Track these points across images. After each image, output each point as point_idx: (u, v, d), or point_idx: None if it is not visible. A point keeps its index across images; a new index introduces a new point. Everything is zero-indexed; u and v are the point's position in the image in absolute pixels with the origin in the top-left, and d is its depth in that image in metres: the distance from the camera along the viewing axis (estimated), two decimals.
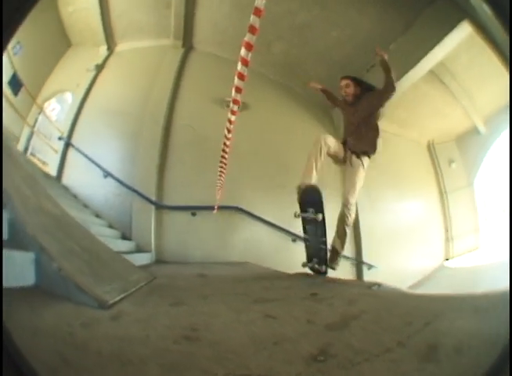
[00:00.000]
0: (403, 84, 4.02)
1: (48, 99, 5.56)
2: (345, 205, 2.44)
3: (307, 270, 2.60)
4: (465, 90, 4.67)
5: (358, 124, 2.49)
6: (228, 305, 1.48)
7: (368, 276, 4.09)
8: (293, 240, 3.59)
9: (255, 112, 3.86)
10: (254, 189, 3.75)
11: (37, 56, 5.18)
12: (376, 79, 4.36)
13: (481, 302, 1.08)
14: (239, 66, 1.91)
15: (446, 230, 4.87)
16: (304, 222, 2.43)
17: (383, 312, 1.26)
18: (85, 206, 4.01)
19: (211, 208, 3.47)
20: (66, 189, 4.21)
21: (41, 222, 1.85)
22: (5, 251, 1.27)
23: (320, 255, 2.42)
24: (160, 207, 3.70)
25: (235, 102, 2.28)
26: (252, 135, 3.76)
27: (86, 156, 4.02)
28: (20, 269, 1.34)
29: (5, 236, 1.53)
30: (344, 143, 2.59)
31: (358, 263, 4.11)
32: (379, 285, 1.89)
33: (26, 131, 5.10)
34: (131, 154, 3.94)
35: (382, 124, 4.80)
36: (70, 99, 5.32)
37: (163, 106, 3.93)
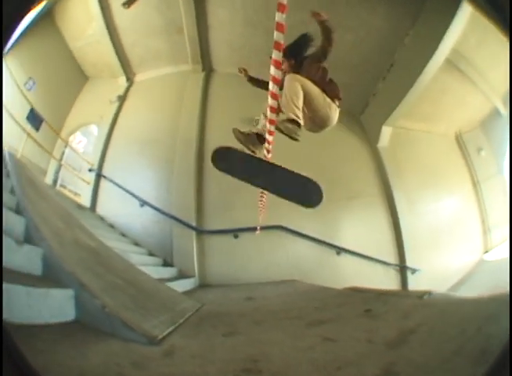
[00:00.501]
0: (424, 78, 3.96)
1: (72, 132, 5.75)
2: None
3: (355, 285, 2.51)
4: (480, 73, 4.55)
5: None
6: (283, 331, 1.44)
7: (412, 280, 3.97)
8: (338, 253, 3.52)
9: None
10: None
11: (54, 92, 5.37)
12: (395, 79, 4.32)
13: None
14: (271, 86, 1.90)
15: (483, 222, 4.71)
16: None
17: (437, 323, 1.23)
18: (123, 235, 4.06)
19: (253, 229, 3.44)
20: (101, 219, 4.28)
21: (78, 256, 1.82)
22: (40, 290, 1.23)
23: None
24: (201, 232, 3.70)
25: (271, 122, 2.25)
26: (288, 151, 3.74)
27: (121, 186, 4.10)
28: (58, 305, 1.28)
29: (38, 271, 1.49)
30: None
31: (402, 268, 3.98)
32: (429, 293, 1.84)
33: (53, 164, 5.28)
34: (166, 181, 3.98)
35: (410, 123, 4.74)
36: (96, 132, 5.49)
37: (193, 131, 3.97)
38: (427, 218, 4.18)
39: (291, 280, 3.39)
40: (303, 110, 2.15)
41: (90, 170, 4.75)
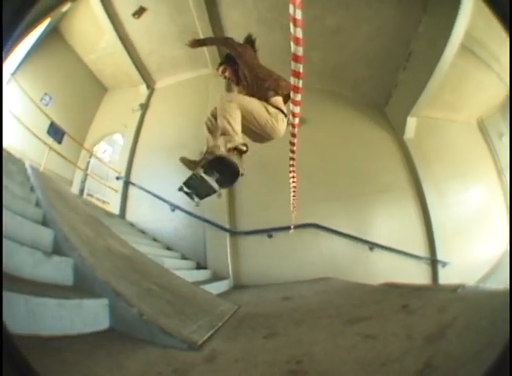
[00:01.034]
0: (443, 65, 3.89)
1: (96, 142, 5.90)
2: None
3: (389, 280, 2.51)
4: (493, 54, 4.45)
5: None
6: (324, 330, 1.44)
7: (443, 273, 3.92)
8: (371, 249, 3.51)
9: (313, 125, 3.85)
10: (327, 202, 3.74)
11: (73, 104, 5.46)
12: (415, 67, 4.25)
13: None
14: (293, 80, 1.87)
15: (509, 210, 4.60)
16: None
17: (472, 316, 1.24)
18: (155, 240, 4.14)
19: (287, 228, 3.48)
20: (132, 225, 4.35)
21: (111, 264, 1.78)
22: (73, 301, 1.21)
23: None
24: (234, 233, 3.77)
25: (294, 115, 2.19)
26: (316, 149, 3.75)
27: (151, 192, 4.19)
28: (92, 315, 1.25)
29: (69, 282, 1.46)
30: None
31: (433, 262, 3.93)
32: (463, 286, 1.84)
33: (78, 175, 5.42)
34: None
35: (433, 112, 4.65)
36: (121, 140, 5.61)
37: None
38: (456, 209, 4.12)
39: (326, 278, 3.40)
40: (250, 128, 1.95)
41: (117, 178, 4.85)
